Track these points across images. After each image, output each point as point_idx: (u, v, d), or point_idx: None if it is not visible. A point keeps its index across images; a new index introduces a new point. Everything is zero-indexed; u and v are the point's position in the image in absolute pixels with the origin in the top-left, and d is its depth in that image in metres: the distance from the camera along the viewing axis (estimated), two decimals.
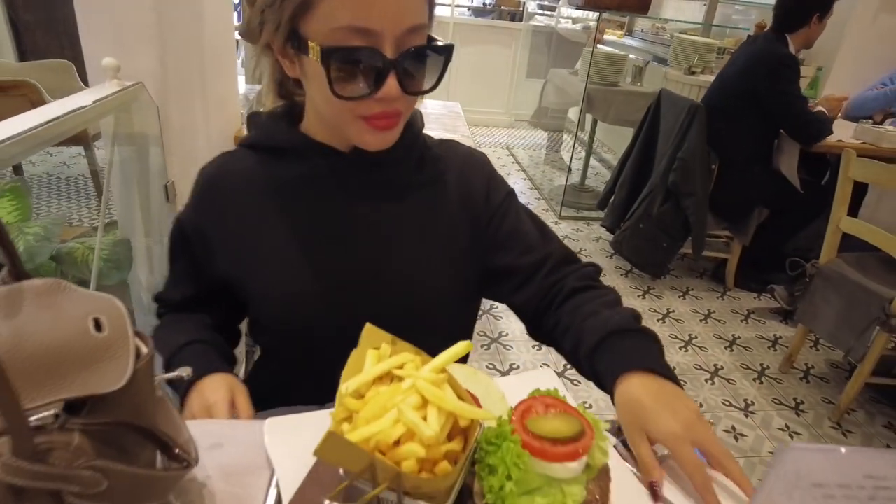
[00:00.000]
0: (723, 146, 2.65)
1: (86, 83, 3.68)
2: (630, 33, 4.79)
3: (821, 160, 2.90)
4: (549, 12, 5.51)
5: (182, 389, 0.72)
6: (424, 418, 0.48)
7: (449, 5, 5.17)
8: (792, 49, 2.56)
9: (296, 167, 0.76)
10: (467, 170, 0.84)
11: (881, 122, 2.98)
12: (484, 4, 5.58)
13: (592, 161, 4.46)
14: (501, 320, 2.50)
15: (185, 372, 0.50)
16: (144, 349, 0.45)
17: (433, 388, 0.50)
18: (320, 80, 0.63)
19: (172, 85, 1.33)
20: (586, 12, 4.70)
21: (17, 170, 3.18)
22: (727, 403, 2.13)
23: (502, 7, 5.34)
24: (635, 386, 0.62)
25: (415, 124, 0.80)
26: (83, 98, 1.00)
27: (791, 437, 2.00)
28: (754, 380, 2.28)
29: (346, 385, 0.51)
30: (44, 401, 0.35)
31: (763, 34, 2.69)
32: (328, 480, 0.55)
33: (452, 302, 0.82)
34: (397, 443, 0.47)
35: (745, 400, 2.16)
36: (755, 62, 2.55)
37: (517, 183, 4.17)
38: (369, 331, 0.56)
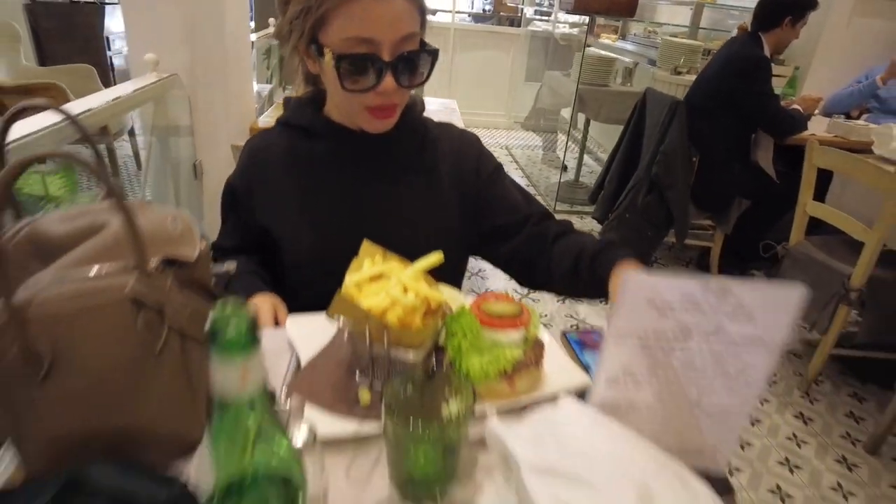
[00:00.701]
0: (704, 144, 2.82)
1: (106, 86, 3.91)
2: (623, 37, 4.98)
3: (799, 153, 3.07)
4: (546, 17, 5.71)
5: None
6: None
7: (449, 11, 5.38)
8: (766, 51, 2.73)
9: (318, 144, 0.95)
10: (461, 149, 1.02)
11: (858, 118, 3.16)
12: (483, 10, 5.79)
13: (588, 160, 4.64)
14: (488, 280, 2.71)
15: (230, 266, 0.69)
16: (205, 243, 0.64)
17: (413, 281, 0.69)
18: (333, 78, 0.82)
19: (200, 80, 1.53)
20: (582, 17, 4.88)
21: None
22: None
23: (501, 13, 5.54)
24: (627, 267, 0.79)
25: (415, 108, 0.98)
26: (129, 86, 1.20)
27: (761, 403, 2.16)
28: None
29: (349, 279, 0.69)
30: (151, 256, 0.54)
31: (741, 36, 2.88)
32: (336, 356, 0.73)
33: (445, 263, 1.01)
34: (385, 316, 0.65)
35: None
36: (730, 64, 2.72)
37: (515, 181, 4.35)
38: (367, 245, 0.74)
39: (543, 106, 4.39)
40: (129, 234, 0.50)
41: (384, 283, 0.69)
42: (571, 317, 2.62)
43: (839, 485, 1.81)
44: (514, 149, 5.28)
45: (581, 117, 3.99)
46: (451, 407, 0.59)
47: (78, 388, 0.49)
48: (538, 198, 1.02)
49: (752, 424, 2.06)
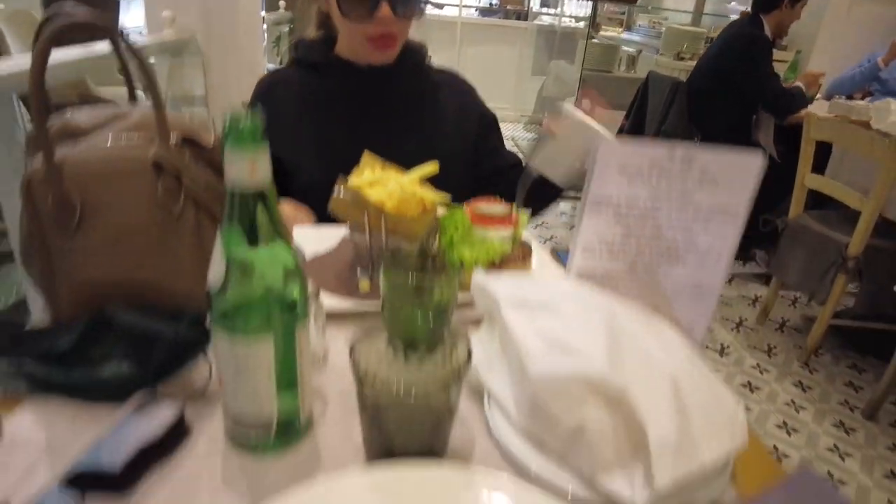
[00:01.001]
0: (705, 124, 2.86)
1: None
2: (629, 28, 5.02)
3: (800, 133, 3.10)
4: (552, 10, 5.77)
5: None
6: None
7: (457, 5, 5.45)
8: (767, 32, 2.77)
9: (328, 80, 1.03)
10: (463, 95, 1.12)
11: (862, 100, 3.18)
12: (490, 4, 5.86)
13: None
14: None
15: None
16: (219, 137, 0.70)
17: (408, 183, 0.74)
18: (337, 7, 0.90)
19: (214, 46, 1.60)
20: (587, 10, 4.92)
21: None
22: (704, 346, 2.32)
23: (507, 7, 5.61)
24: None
25: (419, 52, 1.07)
26: (145, 40, 1.26)
27: (761, 373, 2.19)
28: (732, 329, 2.48)
29: (350, 180, 0.75)
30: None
31: (741, 18, 2.92)
32: (340, 257, 0.79)
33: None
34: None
35: (722, 344, 2.36)
36: (730, 45, 2.77)
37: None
38: (367, 156, 0.80)
39: (549, 95, 4.44)
40: (153, 107, 0.56)
41: (382, 187, 0.75)
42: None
43: (836, 447, 1.84)
44: (520, 140, 5.33)
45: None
46: (441, 277, 0.64)
47: (104, 240, 0.55)
48: None
49: (752, 391, 2.09)
